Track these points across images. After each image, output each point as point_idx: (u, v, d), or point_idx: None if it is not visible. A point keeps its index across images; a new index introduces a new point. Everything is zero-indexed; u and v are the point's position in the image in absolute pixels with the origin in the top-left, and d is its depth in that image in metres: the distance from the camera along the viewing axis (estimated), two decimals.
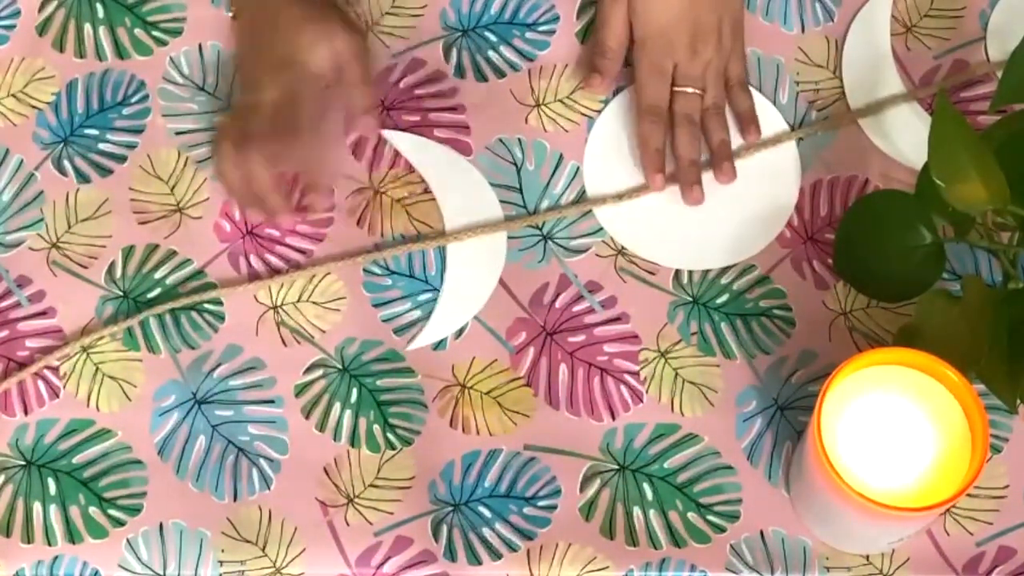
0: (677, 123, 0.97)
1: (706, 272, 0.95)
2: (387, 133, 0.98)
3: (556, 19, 1.02)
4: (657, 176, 0.96)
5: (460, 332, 0.94)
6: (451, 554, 0.89)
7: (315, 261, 0.95)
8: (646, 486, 0.90)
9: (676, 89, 0.97)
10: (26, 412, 0.92)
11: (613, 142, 0.99)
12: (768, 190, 0.97)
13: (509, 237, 0.96)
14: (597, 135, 0.99)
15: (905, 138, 0.98)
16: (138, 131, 0.99)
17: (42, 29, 1.01)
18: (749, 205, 0.97)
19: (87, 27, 1.02)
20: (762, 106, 0.99)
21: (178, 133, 0.99)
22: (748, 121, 0.98)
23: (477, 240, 0.95)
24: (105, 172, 0.98)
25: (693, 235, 0.96)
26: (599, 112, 0.99)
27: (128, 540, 0.89)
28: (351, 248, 0.96)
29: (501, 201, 0.97)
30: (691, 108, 0.97)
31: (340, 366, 0.93)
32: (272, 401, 0.92)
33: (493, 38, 1.02)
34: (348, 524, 0.89)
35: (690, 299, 0.95)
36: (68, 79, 1.00)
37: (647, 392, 0.92)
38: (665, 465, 0.91)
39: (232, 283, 0.95)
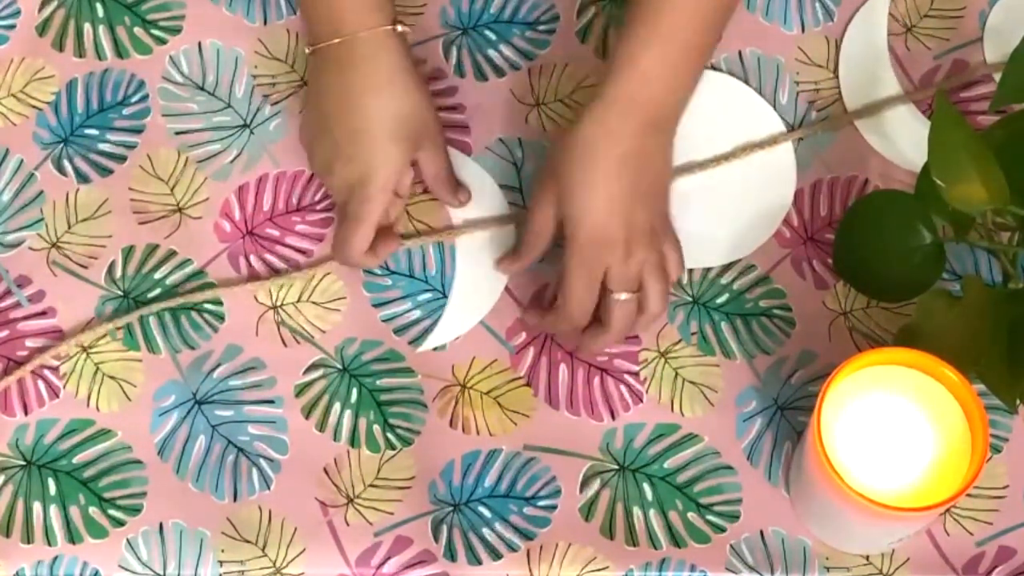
0: (610, 325, 0.90)
1: (706, 272, 0.95)
2: None
3: (556, 18, 1.02)
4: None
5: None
6: (451, 554, 0.89)
7: (314, 262, 0.95)
8: (646, 486, 0.90)
9: (613, 296, 0.89)
10: (26, 412, 0.92)
11: None
12: (765, 190, 0.97)
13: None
14: None
15: (904, 139, 0.98)
16: (138, 131, 0.99)
17: (42, 29, 1.01)
18: (746, 205, 0.97)
19: (87, 26, 1.02)
20: (759, 107, 0.99)
21: (178, 133, 0.99)
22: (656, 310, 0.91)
23: (486, 242, 0.95)
24: (105, 172, 0.98)
25: (691, 234, 0.95)
26: None
27: (128, 540, 0.89)
28: None
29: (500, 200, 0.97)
30: (627, 314, 0.89)
31: (340, 366, 0.93)
32: (272, 401, 0.92)
33: (493, 37, 1.02)
34: (348, 524, 0.89)
35: (690, 299, 0.95)
36: (68, 79, 1.00)
37: (647, 392, 0.92)
38: (665, 465, 0.91)
39: (232, 283, 0.95)
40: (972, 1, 1.02)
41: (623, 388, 0.93)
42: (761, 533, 0.89)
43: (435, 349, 0.93)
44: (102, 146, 0.98)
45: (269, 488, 0.90)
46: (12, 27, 1.01)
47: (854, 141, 0.98)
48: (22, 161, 0.98)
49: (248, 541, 0.89)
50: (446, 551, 0.89)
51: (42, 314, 0.94)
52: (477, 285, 0.95)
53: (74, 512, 0.90)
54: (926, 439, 0.81)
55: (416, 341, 0.93)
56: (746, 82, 1.00)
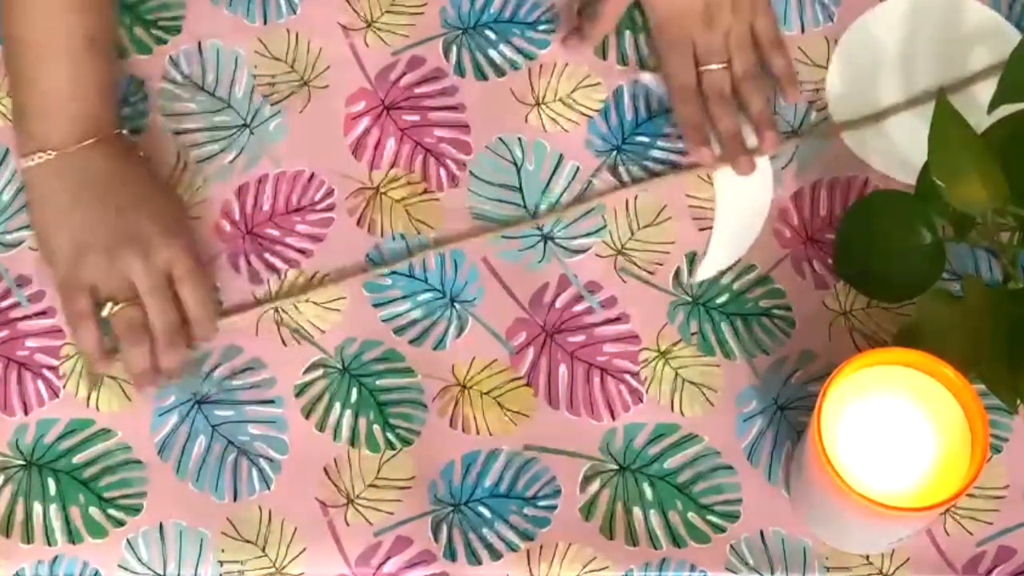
0: (710, 102, 0.97)
1: None
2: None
3: (556, 18, 1.02)
4: (703, 150, 0.96)
5: (461, 331, 0.94)
6: (451, 554, 0.89)
7: (314, 262, 0.95)
8: (646, 486, 0.90)
9: (700, 68, 0.97)
10: (26, 412, 0.92)
11: None
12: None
13: (507, 237, 0.96)
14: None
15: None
16: (138, 131, 0.99)
17: None
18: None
19: None
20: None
21: (178, 133, 0.99)
22: (785, 82, 0.98)
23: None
24: None
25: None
26: (599, 112, 0.99)
27: (128, 540, 0.89)
28: (352, 248, 0.96)
29: (500, 201, 0.97)
30: (720, 83, 0.97)
31: (340, 366, 0.93)
32: (272, 401, 0.92)
33: (493, 36, 1.02)
34: (348, 524, 0.90)
35: (690, 299, 0.95)
36: None
37: (647, 392, 0.92)
38: (665, 465, 0.91)
39: (233, 287, 0.95)
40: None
41: (623, 388, 0.93)
42: (761, 533, 0.89)
43: (434, 348, 0.93)
44: None
45: (269, 488, 0.90)
46: None
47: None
48: None
49: (248, 541, 0.89)
50: (446, 551, 0.89)
51: (42, 314, 0.94)
52: (741, 213, 0.96)
53: (74, 512, 0.90)
54: (926, 439, 0.81)
55: (697, 273, 0.94)
56: None
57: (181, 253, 0.91)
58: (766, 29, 0.98)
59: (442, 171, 0.98)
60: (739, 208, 0.96)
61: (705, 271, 0.95)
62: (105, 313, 0.90)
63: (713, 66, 0.97)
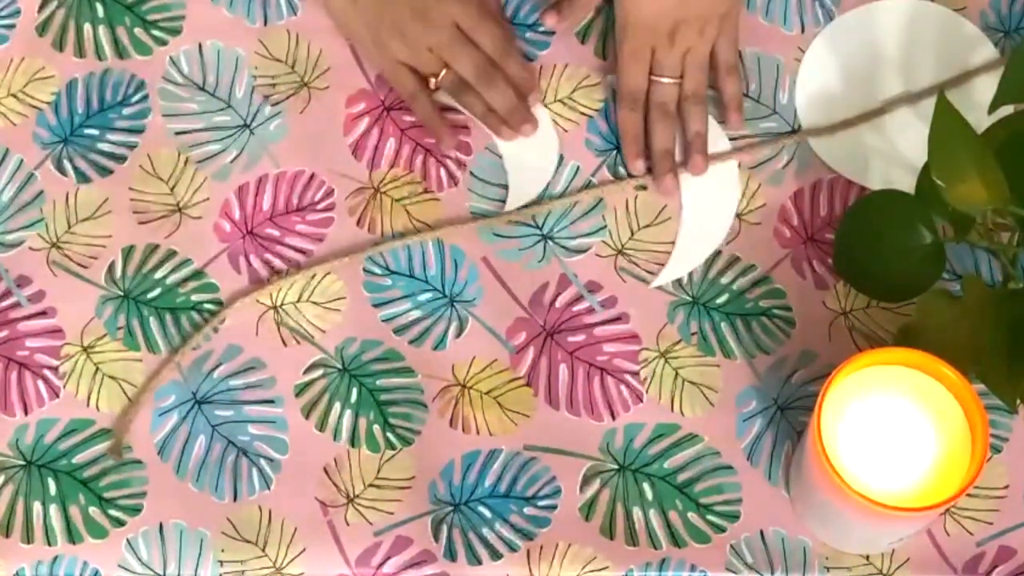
0: (651, 112, 0.98)
1: (706, 272, 0.95)
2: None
3: None
4: (637, 162, 0.97)
5: (461, 331, 0.94)
6: (451, 554, 0.89)
7: (314, 262, 0.95)
8: (646, 486, 0.90)
9: (652, 78, 0.98)
10: (26, 412, 0.92)
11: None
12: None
13: (506, 236, 0.96)
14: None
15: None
16: (138, 131, 0.99)
17: (42, 29, 1.01)
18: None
19: (87, 27, 1.02)
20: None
21: (178, 133, 0.99)
22: (731, 108, 0.98)
23: (708, 173, 0.97)
24: (105, 172, 0.98)
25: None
26: (599, 112, 0.99)
27: (128, 540, 0.89)
28: (352, 248, 0.96)
29: (500, 200, 0.97)
30: (665, 97, 0.97)
31: (340, 366, 0.93)
32: (272, 401, 0.92)
33: None
34: (348, 524, 0.90)
35: (690, 299, 0.95)
36: (68, 79, 1.00)
37: (647, 392, 0.92)
38: (665, 465, 0.91)
39: (233, 287, 0.95)
40: (972, 1, 1.02)
41: (623, 388, 0.93)
42: (761, 533, 0.89)
43: (435, 348, 0.93)
44: (102, 146, 0.98)
45: (269, 488, 0.91)
46: (12, 27, 1.01)
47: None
48: (22, 161, 0.98)
49: (248, 541, 0.89)
50: (446, 551, 0.89)
51: (42, 314, 0.95)
52: (706, 214, 0.96)
53: (74, 512, 0.90)
54: (926, 439, 0.81)
55: (661, 275, 0.95)
56: (746, 83, 1.00)
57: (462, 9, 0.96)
58: (726, 53, 0.98)
59: (442, 171, 0.98)
60: (704, 215, 0.96)
61: (667, 276, 0.95)
62: (433, 85, 0.98)
63: (664, 79, 0.97)
